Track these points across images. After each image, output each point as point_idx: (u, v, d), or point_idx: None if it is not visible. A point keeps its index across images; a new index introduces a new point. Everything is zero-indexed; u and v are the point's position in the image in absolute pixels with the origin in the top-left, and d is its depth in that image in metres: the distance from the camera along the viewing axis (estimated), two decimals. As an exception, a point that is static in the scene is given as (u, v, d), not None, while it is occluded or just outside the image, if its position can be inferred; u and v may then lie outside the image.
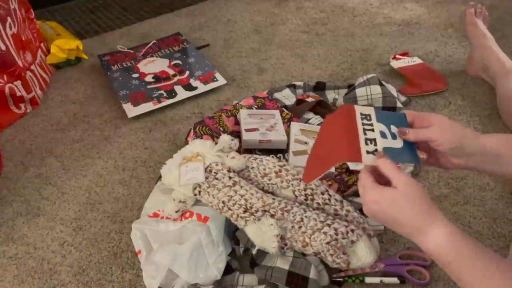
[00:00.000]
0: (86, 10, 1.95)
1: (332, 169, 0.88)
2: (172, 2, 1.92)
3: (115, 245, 0.88)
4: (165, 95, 1.26)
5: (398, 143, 0.59)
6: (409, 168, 0.93)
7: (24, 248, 0.89)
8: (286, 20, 1.67)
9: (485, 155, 0.62)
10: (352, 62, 1.37)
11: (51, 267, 0.85)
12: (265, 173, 0.83)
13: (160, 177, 0.89)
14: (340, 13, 1.67)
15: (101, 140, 1.16)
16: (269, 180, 0.83)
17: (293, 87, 1.21)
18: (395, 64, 1.28)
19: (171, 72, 1.37)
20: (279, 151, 0.97)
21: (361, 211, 0.74)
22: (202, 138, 0.96)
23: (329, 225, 0.72)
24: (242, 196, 0.77)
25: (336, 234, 0.71)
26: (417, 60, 1.28)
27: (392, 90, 1.14)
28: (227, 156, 0.84)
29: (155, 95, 1.26)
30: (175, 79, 1.34)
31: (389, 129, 0.60)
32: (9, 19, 1.23)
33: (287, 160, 0.94)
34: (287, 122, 1.03)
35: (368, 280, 0.76)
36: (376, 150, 0.57)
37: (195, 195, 0.81)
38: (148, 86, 1.31)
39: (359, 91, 1.10)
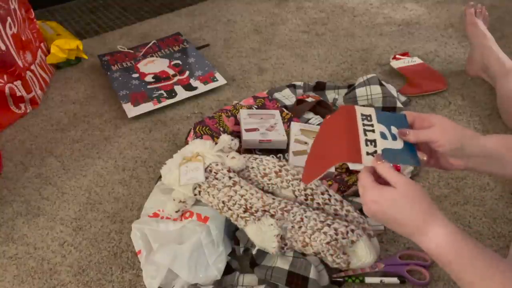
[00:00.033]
0: (86, 10, 1.95)
1: (332, 169, 0.88)
2: (172, 2, 1.92)
3: (115, 245, 0.88)
4: (165, 95, 1.26)
5: (399, 144, 0.59)
6: (409, 168, 0.93)
7: (24, 248, 0.89)
8: (286, 20, 1.66)
9: (485, 156, 0.62)
10: (352, 62, 1.37)
11: (51, 267, 0.85)
12: (265, 173, 0.83)
13: (160, 177, 0.89)
14: (340, 13, 1.67)
15: (101, 140, 1.16)
16: (269, 180, 0.83)
17: (293, 87, 1.21)
18: (395, 64, 1.28)
19: (171, 72, 1.37)
20: (279, 151, 0.97)
21: (361, 211, 0.74)
22: (202, 138, 0.96)
23: (329, 225, 0.72)
24: (242, 196, 0.77)
25: (336, 234, 0.71)
26: (417, 60, 1.28)
27: (392, 90, 1.14)
28: (227, 156, 0.84)
29: (155, 95, 1.26)
30: (175, 79, 1.34)
31: (390, 130, 0.60)
32: (9, 19, 1.23)
33: (287, 160, 0.94)
34: (287, 122, 1.03)
35: (368, 280, 0.76)
36: (376, 151, 0.57)
37: (195, 195, 0.81)
38: (148, 86, 1.31)
39: (359, 91, 1.10)
